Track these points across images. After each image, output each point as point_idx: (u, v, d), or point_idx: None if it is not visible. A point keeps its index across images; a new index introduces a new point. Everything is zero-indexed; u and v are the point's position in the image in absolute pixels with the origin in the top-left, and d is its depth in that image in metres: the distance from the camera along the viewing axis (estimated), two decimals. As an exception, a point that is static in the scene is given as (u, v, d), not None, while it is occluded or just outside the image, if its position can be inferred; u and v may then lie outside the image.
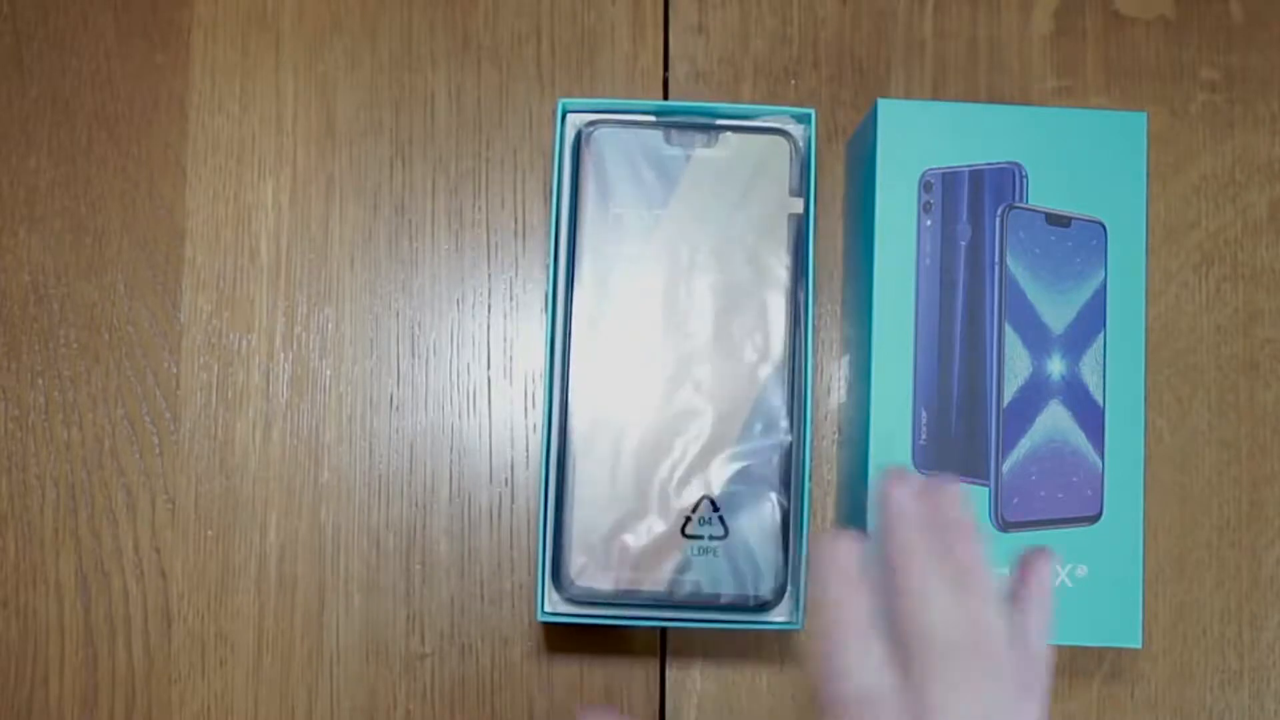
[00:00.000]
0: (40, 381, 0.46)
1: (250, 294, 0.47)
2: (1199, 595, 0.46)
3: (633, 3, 0.48)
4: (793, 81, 0.48)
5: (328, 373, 0.46)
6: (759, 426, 0.40)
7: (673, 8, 0.48)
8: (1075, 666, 0.45)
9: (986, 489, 0.40)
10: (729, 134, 0.41)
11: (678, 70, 0.48)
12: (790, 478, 0.40)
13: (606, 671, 0.45)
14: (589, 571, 0.40)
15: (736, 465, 0.40)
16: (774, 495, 0.40)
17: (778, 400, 0.40)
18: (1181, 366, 0.46)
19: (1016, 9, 0.48)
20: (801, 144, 0.41)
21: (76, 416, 0.46)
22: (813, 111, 0.41)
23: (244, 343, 0.46)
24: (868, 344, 0.41)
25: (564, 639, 0.45)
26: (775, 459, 0.40)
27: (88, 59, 0.47)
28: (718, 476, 0.40)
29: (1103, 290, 0.41)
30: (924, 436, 0.40)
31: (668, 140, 0.41)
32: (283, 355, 0.46)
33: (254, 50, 0.48)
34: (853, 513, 0.42)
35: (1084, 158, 0.41)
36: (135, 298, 0.46)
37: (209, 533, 0.46)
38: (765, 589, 0.39)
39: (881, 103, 0.41)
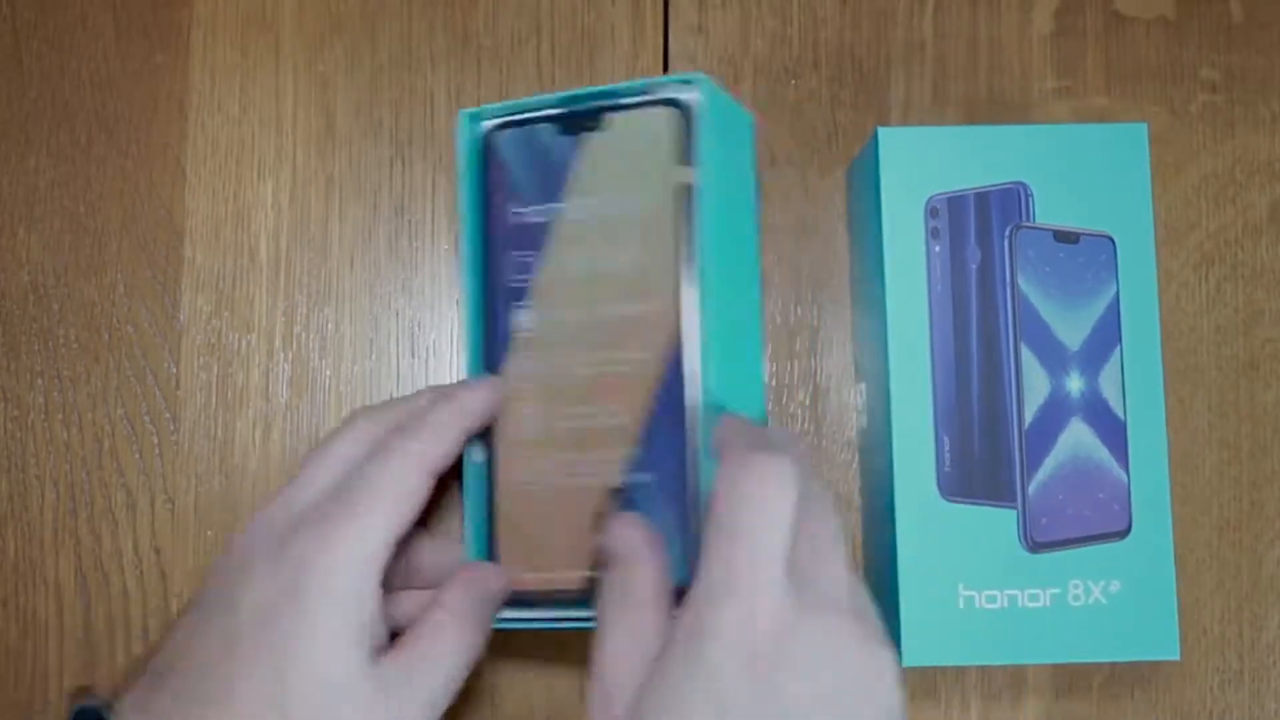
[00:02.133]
0: (40, 382, 0.46)
1: (250, 294, 0.47)
2: (1199, 595, 0.46)
3: (633, 3, 0.48)
4: (793, 82, 0.48)
5: (328, 373, 0.46)
6: (665, 417, 0.39)
7: (673, 8, 0.48)
8: (1075, 667, 0.45)
9: (1014, 511, 0.40)
10: (613, 114, 0.39)
11: (677, 70, 0.48)
12: (697, 467, 0.37)
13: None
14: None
15: (643, 459, 0.38)
16: (683, 488, 0.37)
17: (683, 387, 0.39)
18: (1181, 367, 0.46)
19: (1016, 9, 0.48)
20: (695, 111, 0.38)
21: (76, 416, 0.46)
22: (702, 77, 0.39)
23: (244, 343, 0.46)
24: (885, 374, 0.41)
25: (563, 638, 0.45)
26: (681, 451, 0.38)
27: (87, 59, 0.47)
28: (626, 471, 0.39)
29: (1115, 304, 0.41)
30: (948, 463, 0.40)
31: (560, 131, 0.40)
32: (283, 355, 0.46)
33: (253, 50, 0.48)
34: (881, 544, 0.42)
35: (1087, 172, 0.41)
36: (135, 298, 0.46)
37: (209, 533, 0.46)
38: (678, 577, 0.38)
39: (882, 131, 0.41)
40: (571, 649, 0.45)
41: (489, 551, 0.39)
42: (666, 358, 0.38)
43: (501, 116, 0.40)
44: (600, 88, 0.39)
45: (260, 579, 0.32)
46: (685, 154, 0.38)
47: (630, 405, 0.39)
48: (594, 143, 0.39)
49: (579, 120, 0.39)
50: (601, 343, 0.39)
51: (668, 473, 0.38)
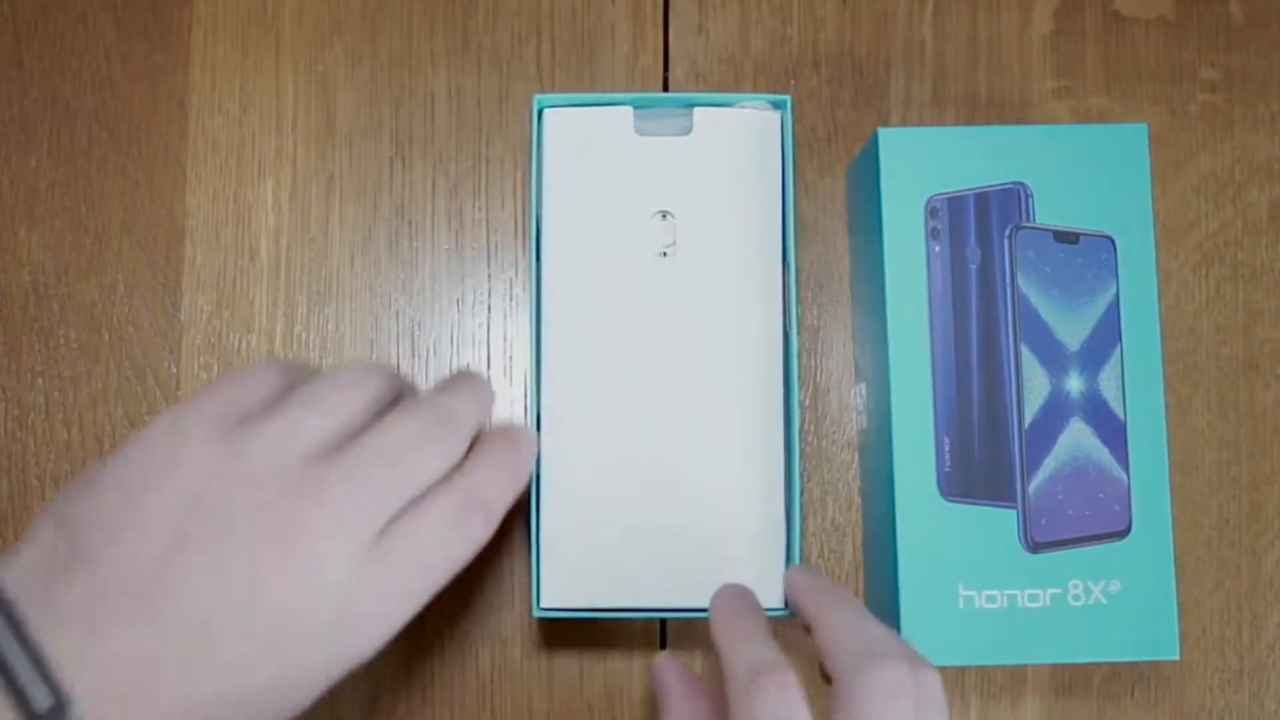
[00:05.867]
0: (40, 382, 0.46)
1: (250, 294, 0.47)
2: (1198, 595, 0.46)
3: (633, 3, 0.48)
4: (792, 82, 0.48)
5: (328, 373, 0.46)
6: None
7: (673, 8, 0.48)
8: (1075, 667, 0.45)
9: (1014, 511, 0.40)
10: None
11: (677, 70, 0.48)
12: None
13: (606, 668, 0.45)
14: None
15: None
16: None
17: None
18: (1181, 366, 0.47)
19: (1016, 9, 0.48)
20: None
21: (76, 416, 0.46)
22: (788, 98, 0.40)
23: (244, 343, 0.46)
24: (885, 375, 0.41)
25: (563, 636, 0.45)
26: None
27: (87, 59, 0.47)
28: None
29: (1115, 304, 0.41)
30: (948, 464, 0.40)
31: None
32: (283, 355, 0.46)
33: (254, 50, 0.48)
34: (881, 544, 0.42)
35: (1087, 173, 0.41)
36: (135, 298, 0.46)
37: (209, 533, 0.46)
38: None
39: (882, 131, 0.41)
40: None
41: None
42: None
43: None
44: (679, 95, 0.40)
45: (250, 521, 0.29)
46: None
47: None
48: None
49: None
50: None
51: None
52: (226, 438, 0.30)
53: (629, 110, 0.41)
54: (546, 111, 0.41)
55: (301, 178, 0.47)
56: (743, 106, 0.41)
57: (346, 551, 0.30)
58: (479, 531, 0.33)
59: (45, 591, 0.28)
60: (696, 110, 0.41)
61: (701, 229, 0.40)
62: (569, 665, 0.45)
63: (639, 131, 0.41)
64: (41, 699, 0.27)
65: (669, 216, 0.41)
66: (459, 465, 0.33)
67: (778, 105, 0.41)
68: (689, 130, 0.41)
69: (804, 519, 0.46)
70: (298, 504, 0.30)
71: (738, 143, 0.41)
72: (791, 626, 0.40)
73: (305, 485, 0.30)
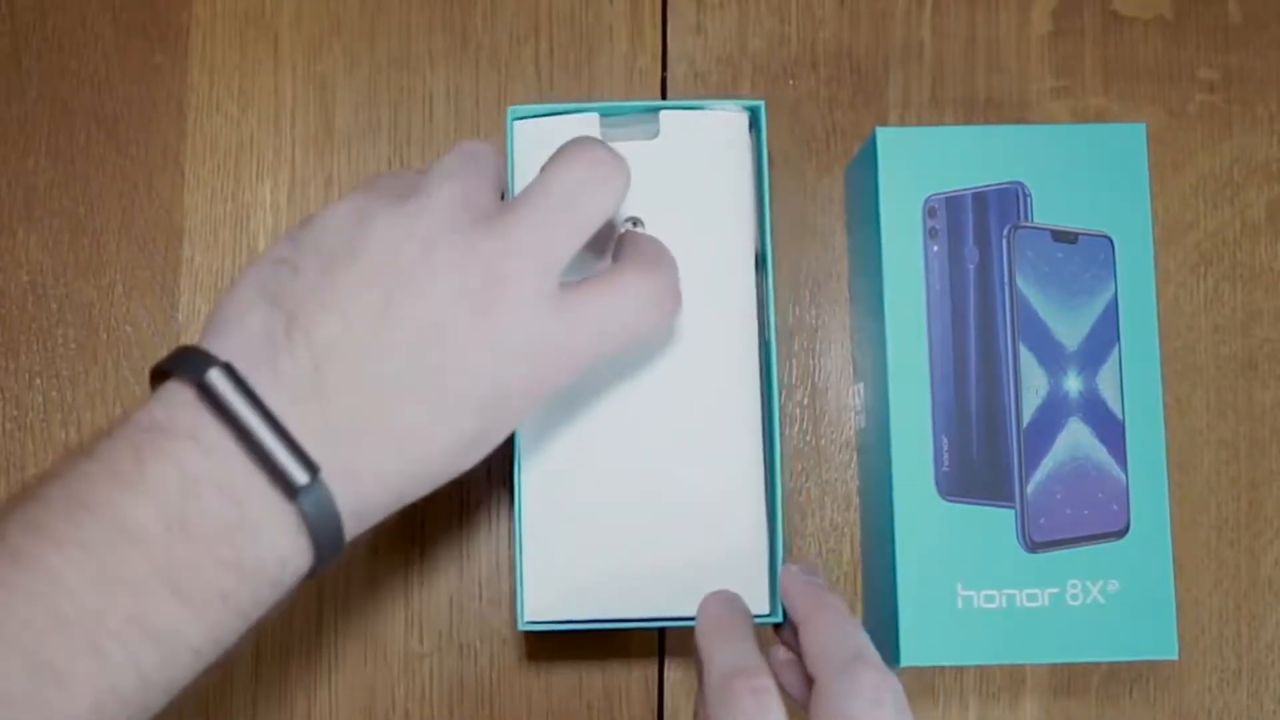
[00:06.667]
0: (38, 381, 0.46)
1: (249, 294, 0.47)
2: (1197, 595, 0.46)
3: (631, 3, 0.48)
4: (791, 82, 0.48)
5: (326, 373, 0.46)
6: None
7: (671, 8, 0.48)
8: (1074, 667, 0.45)
9: (1013, 511, 0.40)
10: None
11: (676, 70, 0.48)
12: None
13: (605, 672, 0.45)
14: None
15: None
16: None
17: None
18: (1180, 366, 0.47)
19: (1014, 9, 0.48)
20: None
21: (75, 416, 0.46)
22: (762, 103, 0.39)
23: (242, 343, 0.46)
24: (883, 374, 0.41)
25: (562, 640, 0.45)
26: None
27: (86, 60, 0.47)
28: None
29: (1114, 303, 0.41)
30: (946, 464, 0.40)
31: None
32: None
33: (252, 50, 0.48)
34: (879, 544, 0.42)
35: (1085, 172, 0.41)
36: (133, 298, 0.46)
37: (207, 533, 0.46)
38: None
39: (880, 131, 0.41)
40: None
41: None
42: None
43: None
44: (646, 103, 0.40)
45: (450, 268, 0.31)
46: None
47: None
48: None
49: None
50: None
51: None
52: (402, 209, 0.31)
53: (595, 117, 0.40)
54: (515, 123, 0.40)
55: (300, 178, 0.47)
56: (710, 109, 0.41)
57: (538, 295, 0.31)
58: (669, 315, 0.35)
59: (272, 368, 0.29)
60: (663, 114, 0.40)
61: (673, 234, 0.39)
62: (568, 666, 0.45)
63: (606, 138, 0.40)
64: (299, 475, 0.28)
65: (639, 224, 0.40)
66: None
67: (751, 109, 0.41)
68: (656, 134, 0.40)
69: (802, 519, 0.46)
70: (484, 258, 0.31)
71: (705, 145, 0.40)
72: (778, 637, 0.39)
73: (486, 239, 0.31)
